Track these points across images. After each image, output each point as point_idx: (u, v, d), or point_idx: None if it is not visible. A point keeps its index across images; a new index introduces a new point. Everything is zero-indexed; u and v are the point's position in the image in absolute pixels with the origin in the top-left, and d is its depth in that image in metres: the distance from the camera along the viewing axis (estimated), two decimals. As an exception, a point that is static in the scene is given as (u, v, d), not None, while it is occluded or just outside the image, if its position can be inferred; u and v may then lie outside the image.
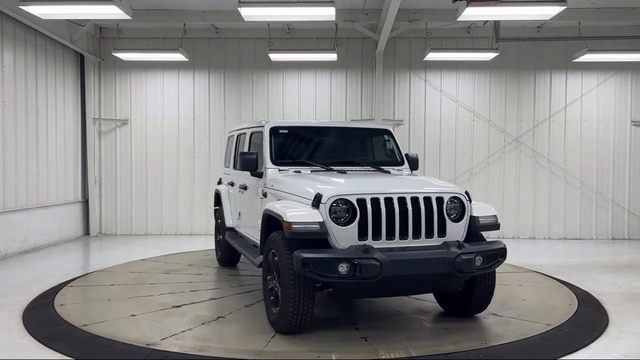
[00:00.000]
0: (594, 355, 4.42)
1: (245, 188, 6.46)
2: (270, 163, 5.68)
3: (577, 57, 10.13)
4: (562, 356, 4.36)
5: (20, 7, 7.34)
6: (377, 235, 4.49)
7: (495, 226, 5.00)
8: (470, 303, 5.15)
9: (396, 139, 6.49)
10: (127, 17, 7.47)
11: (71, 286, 6.55)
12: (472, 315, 5.31)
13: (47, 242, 9.81)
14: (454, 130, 11.15)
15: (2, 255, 8.51)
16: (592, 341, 4.72)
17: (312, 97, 11.24)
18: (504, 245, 4.85)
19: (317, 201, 4.49)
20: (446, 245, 4.58)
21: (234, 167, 7.21)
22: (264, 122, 6.03)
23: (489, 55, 10.31)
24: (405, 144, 10.81)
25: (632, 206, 11.08)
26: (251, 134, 6.53)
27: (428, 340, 4.72)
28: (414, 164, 6.30)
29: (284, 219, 4.44)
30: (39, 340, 4.67)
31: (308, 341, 4.60)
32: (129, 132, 11.33)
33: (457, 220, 4.75)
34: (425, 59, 10.37)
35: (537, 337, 4.74)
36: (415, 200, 4.61)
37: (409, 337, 4.72)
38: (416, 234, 4.59)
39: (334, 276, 4.24)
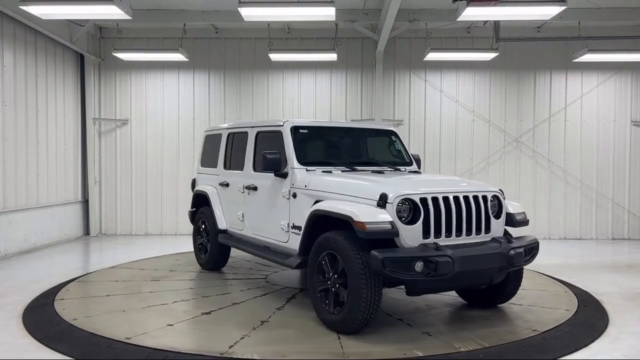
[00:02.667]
0: (594, 355, 4.43)
1: (254, 189, 6.25)
2: (297, 163, 5.59)
3: (577, 57, 10.13)
4: (562, 356, 4.37)
5: (20, 7, 7.34)
6: (438, 233, 4.65)
7: (526, 222, 5.38)
8: (501, 294, 5.47)
9: (402, 140, 6.70)
10: (127, 17, 7.47)
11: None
12: (495, 306, 5.62)
13: (47, 242, 9.81)
14: (454, 130, 11.15)
15: (2, 255, 8.51)
16: (592, 341, 4.72)
17: (312, 97, 11.24)
18: (537, 239, 5.23)
19: (383, 201, 4.54)
20: (496, 240, 4.89)
21: (226, 167, 6.99)
22: (282, 121, 5.91)
23: (489, 55, 10.31)
24: (406, 144, 10.78)
25: (632, 206, 11.08)
26: (257, 133, 6.37)
27: (484, 329, 4.91)
28: (417, 164, 6.55)
29: (356, 219, 4.44)
30: (39, 340, 4.67)
31: (378, 340, 4.61)
32: (129, 132, 11.34)
33: (497, 217, 5.07)
34: (425, 59, 10.38)
35: (538, 336, 4.74)
36: (466, 198, 4.84)
37: (464, 329, 4.90)
38: (468, 231, 4.82)
39: (411, 274, 4.36)
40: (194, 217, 7.72)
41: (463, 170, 11.04)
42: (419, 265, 4.34)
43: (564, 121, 11.10)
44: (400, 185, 4.82)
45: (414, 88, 11.17)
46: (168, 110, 11.30)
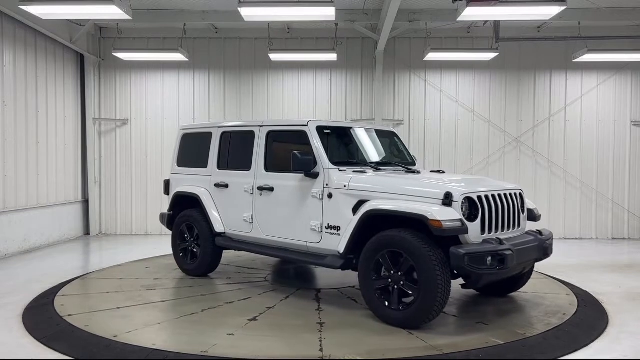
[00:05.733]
0: (594, 355, 4.43)
1: (269, 189, 6.11)
2: (329, 163, 5.60)
3: (577, 57, 10.13)
4: (562, 356, 4.37)
5: (20, 7, 7.34)
6: (490, 229, 4.98)
7: (540, 217, 5.90)
8: (517, 284, 5.96)
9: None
10: (127, 17, 7.47)
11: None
12: (506, 295, 6.06)
13: (47, 242, 9.81)
14: (454, 130, 11.15)
15: (2, 255, 8.51)
16: (592, 341, 4.73)
17: (312, 97, 11.24)
18: (551, 232, 5.80)
19: (449, 200, 4.75)
20: (530, 234, 5.42)
21: (222, 167, 6.73)
22: (306, 121, 5.88)
23: (489, 55, 10.31)
24: (406, 144, 10.79)
25: (632, 206, 11.08)
26: (269, 133, 6.24)
27: (526, 315, 5.37)
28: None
29: (432, 218, 4.63)
30: (39, 340, 4.67)
31: (446, 332, 4.83)
32: (129, 132, 11.34)
33: (523, 212, 5.53)
34: (425, 59, 10.37)
35: (538, 337, 4.74)
36: (505, 196, 5.26)
37: (511, 317, 5.30)
38: (508, 226, 5.23)
39: (483, 268, 4.63)
40: (172, 220, 7.34)
41: (463, 170, 11.04)
42: (489, 260, 4.61)
43: (564, 121, 11.10)
44: (459, 184, 5.05)
45: (414, 88, 11.17)
46: (168, 110, 11.30)
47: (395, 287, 4.90)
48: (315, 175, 5.63)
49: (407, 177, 5.47)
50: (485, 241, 4.81)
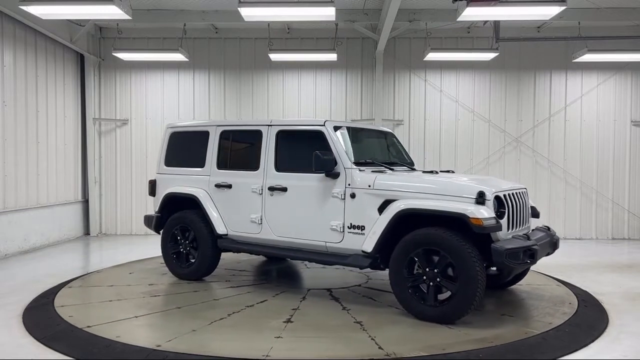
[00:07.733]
0: (594, 355, 4.43)
1: (282, 190, 6.00)
2: (351, 163, 5.62)
3: (577, 57, 10.13)
4: (562, 356, 4.37)
5: (20, 7, 7.34)
6: (513, 226, 5.22)
7: (539, 214, 6.11)
8: (517, 279, 6.24)
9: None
10: (127, 17, 7.47)
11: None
12: (506, 288, 6.31)
13: (47, 242, 9.81)
14: (453, 130, 11.15)
15: (2, 255, 8.51)
16: (592, 341, 4.73)
17: (312, 97, 11.24)
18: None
19: (482, 198, 4.91)
20: (540, 230, 5.73)
21: (223, 167, 6.54)
22: (322, 121, 5.87)
23: (488, 55, 10.31)
24: (405, 144, 10.80)
25: (632, 206, 11.07)
26: (278, 132, 6.12)
27: (538, 305, 5.74)
28: None
29: (472, 216, 4.78)
30: (39, 340, 4.67)
31: (480, 325, 4.96)
32: (129, 132, 11.34)
33: (529, 209, 5.76)
34: (425, 59, 10.37)
35: (537, 336, 4.74)
36: (520, 194, 5.52)
37: (531, 309, 5.59)
38: (522, 223, 5.48)
39: (517, 262, 4.85)
40: (160, 222, 7.03)
41: (463, 170, 11.04)
42: (521, 254, 4.84)
43: (564, 121, 11.10)
44: (487, 184, 5.22)
45: (414, 88, 11.17)
46: (168, 110, 11.30)
47: (431, 284, 4.99)
48: (336, 175, 5.62)
49: (433, 177, 5.56)
50: (513, 237, 5.02)
